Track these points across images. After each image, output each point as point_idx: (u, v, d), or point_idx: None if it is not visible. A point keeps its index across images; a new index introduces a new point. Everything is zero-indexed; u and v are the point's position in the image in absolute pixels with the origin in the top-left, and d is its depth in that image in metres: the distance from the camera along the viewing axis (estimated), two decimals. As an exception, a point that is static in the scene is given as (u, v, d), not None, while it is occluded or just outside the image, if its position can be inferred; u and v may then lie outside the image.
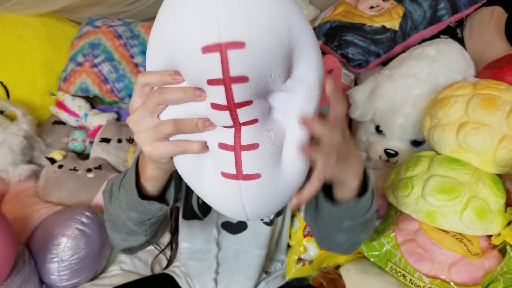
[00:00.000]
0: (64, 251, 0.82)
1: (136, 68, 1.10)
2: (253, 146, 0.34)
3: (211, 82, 0.31)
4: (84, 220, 0.84)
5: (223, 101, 0.32)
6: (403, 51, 1.04)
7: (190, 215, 0.70)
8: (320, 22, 1.23)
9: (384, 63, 1.10)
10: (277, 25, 0.30)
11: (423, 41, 1.11)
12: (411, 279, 0.70)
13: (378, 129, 0.98)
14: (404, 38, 1.12)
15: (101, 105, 1.19)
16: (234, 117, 0.33)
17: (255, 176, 0.35)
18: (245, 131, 0.34)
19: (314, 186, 0.38)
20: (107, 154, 1.04)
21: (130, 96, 1.10)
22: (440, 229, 0.72)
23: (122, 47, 1.11)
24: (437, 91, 0.81)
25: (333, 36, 1.17)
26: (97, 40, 1.12)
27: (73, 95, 1.12)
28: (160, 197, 0.47)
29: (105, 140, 1.05)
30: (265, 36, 0.30)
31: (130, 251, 0.54)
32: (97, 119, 1.09)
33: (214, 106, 0.33)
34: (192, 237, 0.72)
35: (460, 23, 1.18)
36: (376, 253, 0.75)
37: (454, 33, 1.15)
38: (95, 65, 1.09)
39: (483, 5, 1.12)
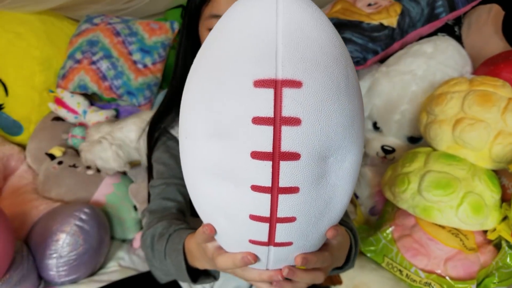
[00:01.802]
0: (63, 247, 0.82)
1: (134, 65, 1.10)
2: (289, 219, 0.31)
3: (257, 128, 0.28)
4: (83, 216, 0.85)
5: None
6: (401, 48, 1.05)
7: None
8: (318, 19, 1.23)
9: (382, 61, 1.10)
10: (335, 70, 0.28)
11: (420, 38, 1.12)
12: (407, 274, 0.71)
13: (375, 126, 0.98)
14: (401, 35, 1.12)
15: (100, 102, 1.19)
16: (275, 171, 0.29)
17: (287, 244, 0.33)
18: (283, 200, 0.30)
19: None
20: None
21: (128, 93, 1.10)
22: (436, 224, 0.72)
23: (120, 44, 1.11)
24: (434, 88, 0.82)
25: (331, 34, 1.17)
26: (95, 37, 1.12)
27: (72, 92, 1.12)
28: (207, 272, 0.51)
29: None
30: (323, 79, 0.27)
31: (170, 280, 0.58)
32: (96, 116, 1.10)
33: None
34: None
35: (458, 21, 1.18)
36: (373, 248, 0.76)
37: (452, 30, 1.16)
38: (94, 62, 1.09)
39: (481, 3, 1.12)
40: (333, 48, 0.29)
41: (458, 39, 1.13)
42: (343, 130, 0.29)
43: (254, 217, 0.31)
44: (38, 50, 1.12)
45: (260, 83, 0.27)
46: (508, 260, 0.68)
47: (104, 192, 0.97)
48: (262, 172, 0.29)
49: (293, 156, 0.28)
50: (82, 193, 0.96)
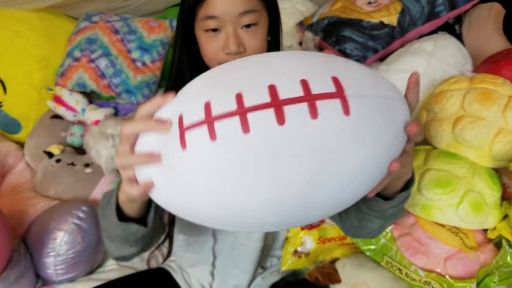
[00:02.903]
0: (61, 245, 0.82)
1: (133, 63, 1.10)
2: None
3: None
4: (81, 215, 0.85)
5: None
6: (401, 46, 1.04)
7: None
8: (318, 18, 1.23)
9: (382, 59, 1.10)
10: None
11: (421, 37, 1.11)
12: (406, 273, 0.71)
13: (375, 124, 0.98)
14: (402, 33, 1.12)
15: (99, 100, 1.18)
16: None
17: None
18: None
19: (388, 178, 0.38)
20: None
21: (127, 91, 1.10)
22: (436, 223, 0.72)
23: (119, 42, 1.10)
24: (435, 86, 0.82)
25: (331, 32, 1.17)
26: (94, 35, 1.12)
27: (71, 90, 1.11)
28: (142, 219, 0.48)
29: (102, 136, 1.04)
30: None
31: (123, 259, 0.55)
32: (95, 114, 1.09)
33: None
34: (189, 229, 0.72)
35: (458, 19, 1.18)
36: (372, 247, 0.75)
37: (452, 29, 1.15)
38: (92, 60, 1.09)
39: (481, 2, 1.12)
40: None
41: (459, 37, 1.12)
42: None
43: None
44: (37, 48, 1.12)
45: None
46: (508, 259, 0.68)
47: (102, 190, 0.97)
48: None
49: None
50: (80, 191, 0.96)
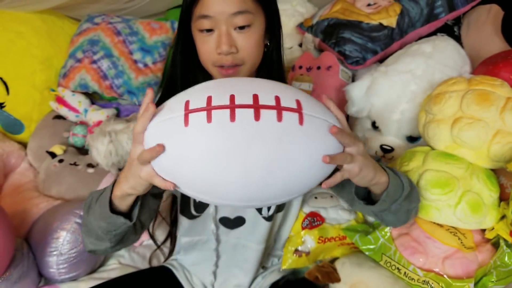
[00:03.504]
0: (63, 244, 0.82)
1: (135, 65, 1.11)
2: None
3: None
4: (83, 214, 0.85)
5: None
6: (400, 48, 1.05)
7: (186, 211, 0.71)
8: (318, 19, 1.24)
9: (381, 61, 1.10)
10: None
11: (420, 38, 1.12)
12: (405, 272, 0.71)
13: (374, 125, 0.99)
14: (401, 35, 1.13)
15: (101, 101, 1.19)
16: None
17: None
18: None
19: (340, 175, 0.49)
20: (106, 150, 1.05)
21: (128, 92, 1.10)
22: (434, 222, 0.73)
23: (121, 44, 1.11)
24: (433, 88, 0.82)
25: (330, 34, 1.18)
26: (96, 36, 1.13)
27: (73, 91, 1.12)
28: (128, 215, 0.54)
29: (104, 136, 1.05)
30: None
31: (94, 252, 0.61)
32: (97, 115, 1.10)
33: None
34: (191, 231, 0.72)
35: (457, 21, 1.18)
36: (371, 246, 0.76)
37: (451, 31, 1.16)
38: (94, 62, 1.10)
39: (480, 3, 1.12)
40: None
41: (457, 39, 1.13)
42: None
43: None
44: (39, 49, 1.13)
45: None
46: (506, 259, 0.69)
47: (104, 190, 0.98)
48: None
49: None
50: (83, 191, 0.97)
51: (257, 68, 0.64)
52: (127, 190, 0.50)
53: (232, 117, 0.41)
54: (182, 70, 0.65)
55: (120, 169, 1.00)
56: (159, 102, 0.70)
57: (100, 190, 0.57)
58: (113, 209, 0.53)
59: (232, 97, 0.42)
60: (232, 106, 0.41)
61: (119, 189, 0.51)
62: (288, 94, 0.45)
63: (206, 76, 0.64)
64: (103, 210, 0.52)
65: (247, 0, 0.57)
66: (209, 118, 0.41)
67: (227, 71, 0.59)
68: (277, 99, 0.43)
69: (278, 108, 0.42)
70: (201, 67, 0.63)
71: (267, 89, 0.45)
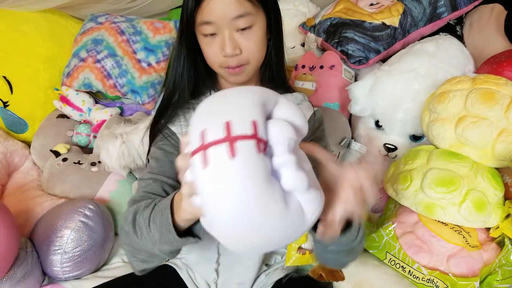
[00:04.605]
0: (67, 243, 0.82)
1: (138, 64, 1.11)
2: None
3: None
4: (88, 212, 0.85)
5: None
6: (403, 48, 1.05)
7: None
8: (320, 19, 1.24)
9: (384, 60, 1.10)
10: None
11: (422, 38, 1.12)
12: (410, 271, 0.71)
13: (377, 124, 0.99)
14: (403, 35, 1.13)
15: (104, 100, 1.20)
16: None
17: None
18: None
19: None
20: (110, 149, 1.05)
21: (132, 91, 1.11)
22: (439, 221, 0.73)
23: (124, 43, 1.12)
24: (437, 87, 0.82)
25: (333, 33, 1.18)
26: (100, 36, 1.13)
27: (77, 90, 1.13)
28: (189, 231, 0.51)
29: (108, 135, 1.05)
30: None
31: (145, 271, 0.58)
32: (101, 114, 1.10)
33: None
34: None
35: (460, 21, 1.19)
36: (376, 245, 0.76)
37: (454, 30, 1.16)
38: (98, 61, 1.10)
39: (483, 3, 1.13)
40: None
41: (460, 38, 1.13)
42: None
43: None
44: (43, 48, 1.13)
45: None
46: (511, 257, 0.69)
47: (108, 189, 0.98)
48: None
49: None
50: (87, 189, 0.97)
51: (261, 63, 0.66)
52: (190, 217, 0.47)
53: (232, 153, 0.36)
54: (189, 74, 0.66)
55: (131, 171, 1.00)
56: (161, 106, 0.71)
57: (143, 205, 0.54)
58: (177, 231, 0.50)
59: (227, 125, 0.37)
60: (231, 138, 0.36)
61: (181, 220, 0.48)
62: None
63: (212, 77, 0.66)
64: (166, 235, 0.49)
65: (247, 2, 0.58)
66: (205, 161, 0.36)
67: (234, 70, 0.62)
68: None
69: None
70: (208, 68, 0.65)
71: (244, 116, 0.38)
